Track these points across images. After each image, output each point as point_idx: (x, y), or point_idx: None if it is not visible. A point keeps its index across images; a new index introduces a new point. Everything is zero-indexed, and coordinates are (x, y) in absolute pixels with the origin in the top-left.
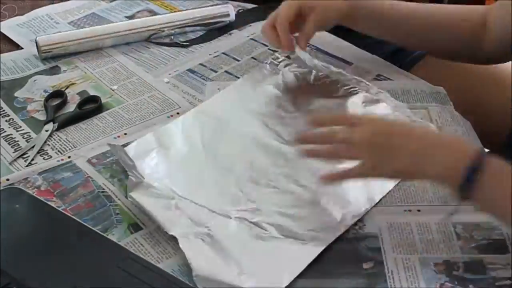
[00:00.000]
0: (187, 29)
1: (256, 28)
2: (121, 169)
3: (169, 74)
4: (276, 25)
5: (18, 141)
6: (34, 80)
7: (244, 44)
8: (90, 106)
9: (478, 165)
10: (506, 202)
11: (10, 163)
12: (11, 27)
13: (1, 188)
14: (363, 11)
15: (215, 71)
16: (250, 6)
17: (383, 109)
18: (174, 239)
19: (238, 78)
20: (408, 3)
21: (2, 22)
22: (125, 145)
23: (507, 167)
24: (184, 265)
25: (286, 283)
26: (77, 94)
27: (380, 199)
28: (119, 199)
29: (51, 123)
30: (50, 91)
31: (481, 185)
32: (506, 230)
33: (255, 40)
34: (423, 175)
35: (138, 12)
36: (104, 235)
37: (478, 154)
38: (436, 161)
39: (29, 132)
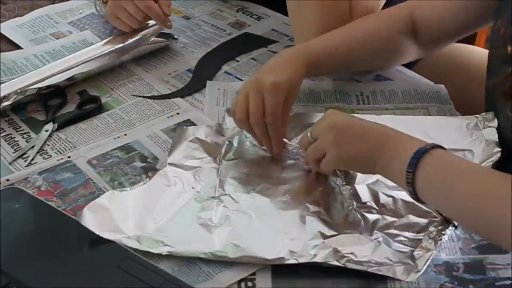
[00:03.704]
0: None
1: (254, 29)
2: (121, 172)
3: (169, 74)
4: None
5: (18, 141)
6: None
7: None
8: (90, 106)
9: (422, 153)
10: (442, 192)
11: (10, 163)
12: (11, 27)
13: (1, 188)
14: (317, 69)
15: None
16: (249, 5)
17: None
18: None
19: (238, 78)
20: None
21: (2, 23)
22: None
23: (450, 157)
24: (184, 265)
25: None
26: (77, 94)
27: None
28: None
29: (51, 123)
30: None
31: (421, 171)
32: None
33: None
34: (374, 166)
35: None
36: None
37: (425, 145)
38: (388, 152)
39: (29, 132)
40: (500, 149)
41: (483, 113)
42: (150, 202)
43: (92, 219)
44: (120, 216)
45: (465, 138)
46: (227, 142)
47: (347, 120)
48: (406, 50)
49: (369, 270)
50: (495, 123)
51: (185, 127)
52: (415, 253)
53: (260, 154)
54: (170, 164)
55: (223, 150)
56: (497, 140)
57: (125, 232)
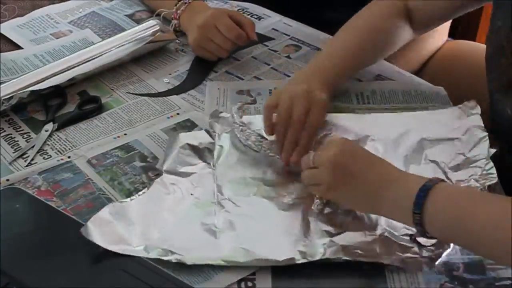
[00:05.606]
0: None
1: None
2: (121, 172)
3: (170, 74)
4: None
5: (18, 141)
6: None
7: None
8: (90, 106)
9: (426, 192)
10: (450, 224)
11: (10, 163)
12: (11, 27)
13: (1, 188)
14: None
15: (215, 71)
16: (249, 6)
17: None
18: None
19: (238, 78)
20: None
21: (2, 23)
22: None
23: (456, 190)
24: (184, 265)
25: None
26: (77, 94)
27: None
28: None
29: (51, 123)
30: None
31: (428, 211)
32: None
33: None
34: (378, 208)
35: (138, 11)
36: None
37: (427, 182)
38: (391, 195)
39: (29, 132)
40: (487, 133)
41: (465, 102)
42: (152, 211)
43: (97, 233)
44: (124, 228)
45: (452, 128)
46: (217, 146)
47: (349, 157)
48: (401, 32)
49: (384, 262)
50: (478, 109)
51: (176, 132)
52: (422, 243)
53: (251, 155)
54: (166, 171)
55: (215, 154)
56: (482, 125)
57: (131, 243)
